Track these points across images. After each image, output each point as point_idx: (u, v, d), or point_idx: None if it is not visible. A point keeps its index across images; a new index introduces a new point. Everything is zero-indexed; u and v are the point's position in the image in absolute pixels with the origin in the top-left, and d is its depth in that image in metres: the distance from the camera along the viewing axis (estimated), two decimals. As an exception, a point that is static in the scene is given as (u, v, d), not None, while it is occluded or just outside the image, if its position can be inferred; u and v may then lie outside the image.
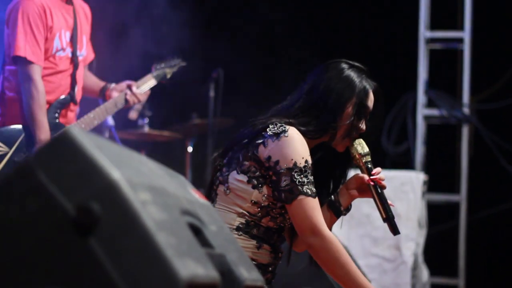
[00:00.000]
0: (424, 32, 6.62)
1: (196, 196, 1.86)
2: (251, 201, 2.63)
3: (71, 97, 3.85)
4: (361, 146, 2.74)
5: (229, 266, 1.66)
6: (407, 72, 6.80)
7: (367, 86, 2.73)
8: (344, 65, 2.75)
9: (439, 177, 6.46)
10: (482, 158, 6.70)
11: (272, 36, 6.93)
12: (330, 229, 2.73)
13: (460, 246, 6.41)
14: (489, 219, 6.67)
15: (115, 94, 4.08)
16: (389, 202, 2.72)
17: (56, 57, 3.82)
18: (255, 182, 2.62)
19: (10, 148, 3.64)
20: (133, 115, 5.98)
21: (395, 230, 2.68)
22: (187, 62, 4.67)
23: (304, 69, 2.91)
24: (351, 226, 5.34)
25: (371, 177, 2.71)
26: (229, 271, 1.65)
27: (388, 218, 2.68)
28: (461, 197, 6.50)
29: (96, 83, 4.15)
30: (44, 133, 3.63)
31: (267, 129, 2.61)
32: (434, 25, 6.67)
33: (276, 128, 2.60)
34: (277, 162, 2.57)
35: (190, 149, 6.35)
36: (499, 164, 6.57)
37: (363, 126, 2.74)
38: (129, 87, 4.08)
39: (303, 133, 2.63)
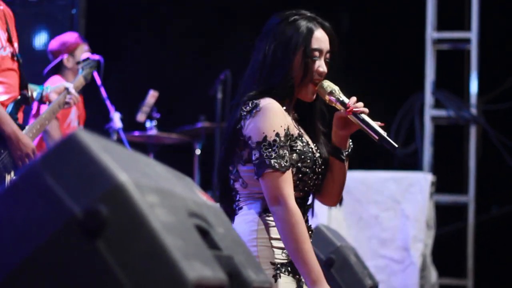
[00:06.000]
0: (431, 33, 6.61)
1: (204, 198, 1.87)
2: None
3: (25, 98, 3.73)
4: (326, 85, 2.68)
5: (237, 268, 1.66)
6: (414, 73, 6.79)
7: (311, 26, 2.68)
8: (287, 18, 2.70)
9: (447, 178, 6.45)
10: (489, 158, 6.69)
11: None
12: (343, 182, 2.74)
13: (469, 247, 6.39)
14: (497, 219, 6.65)
15: (54, 96, 4.04)
16: (376, 123, 2.64)
17: None
18: None
19: None
20: (141, 117, 6.00)
21: (392, 145, 2.59)
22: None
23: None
24: (359, 227, 5.33)
25: (347, 109, 2.65)
26: (236, 273, 1.65)
27: (381, 137, 2.60)
28: (469, 197, 6.48)
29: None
30: (8, 126, 3.52)
31: (242, 112, 2.60)
32: (441, 25, 6.66)
33: (249, 107, 2.58)
34: (249, 138, 2.56)
35: (198, 151, 6.36)
36: (507, 165, 6.56)
37: (322, 68, 2.68)
38: (67, 89, 4.05)
39: (275, 98, 2.61)
